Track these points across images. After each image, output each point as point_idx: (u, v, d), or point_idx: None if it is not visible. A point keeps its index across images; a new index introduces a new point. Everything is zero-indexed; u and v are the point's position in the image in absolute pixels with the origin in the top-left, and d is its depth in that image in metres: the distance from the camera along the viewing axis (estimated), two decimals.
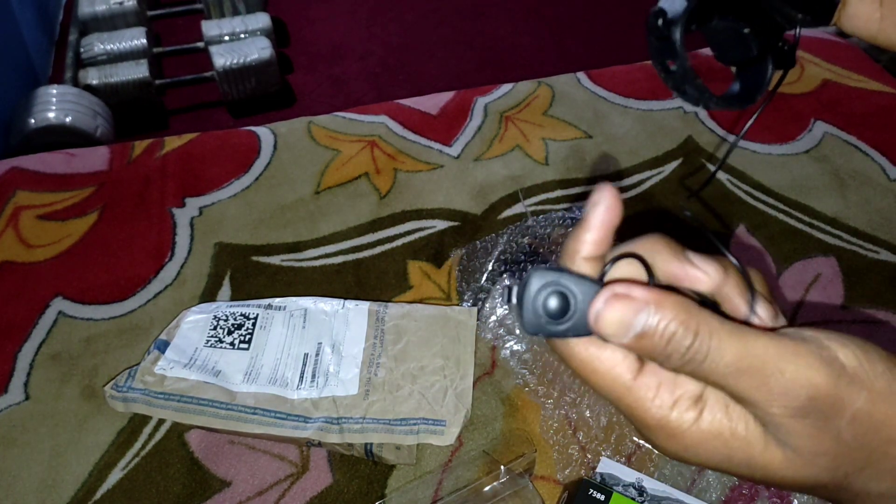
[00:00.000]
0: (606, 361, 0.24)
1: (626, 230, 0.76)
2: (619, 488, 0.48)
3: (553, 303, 0.24)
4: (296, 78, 1.85)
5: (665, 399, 0.24)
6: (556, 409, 0.54)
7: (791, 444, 0.23)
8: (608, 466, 0.51)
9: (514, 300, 0.25)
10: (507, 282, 0.62)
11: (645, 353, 0.23)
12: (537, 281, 0.24)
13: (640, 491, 0.49)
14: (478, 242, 0.66)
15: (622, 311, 0.22)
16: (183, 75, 1.74)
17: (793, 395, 0.22)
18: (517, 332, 0.59)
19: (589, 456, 0.52)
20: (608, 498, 0.46)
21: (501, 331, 0.59)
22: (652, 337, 0.22)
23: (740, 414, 0.24)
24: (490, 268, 0.63)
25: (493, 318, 0.60)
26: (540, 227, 0.67)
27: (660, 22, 0.24)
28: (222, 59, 1.64)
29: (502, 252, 0.64)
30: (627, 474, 0.50)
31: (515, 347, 0.58)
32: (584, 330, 0.24)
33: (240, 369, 0.55)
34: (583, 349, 0.24)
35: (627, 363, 0.24)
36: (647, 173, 0.76)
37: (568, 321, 0.24)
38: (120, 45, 1.68)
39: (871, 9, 0.30)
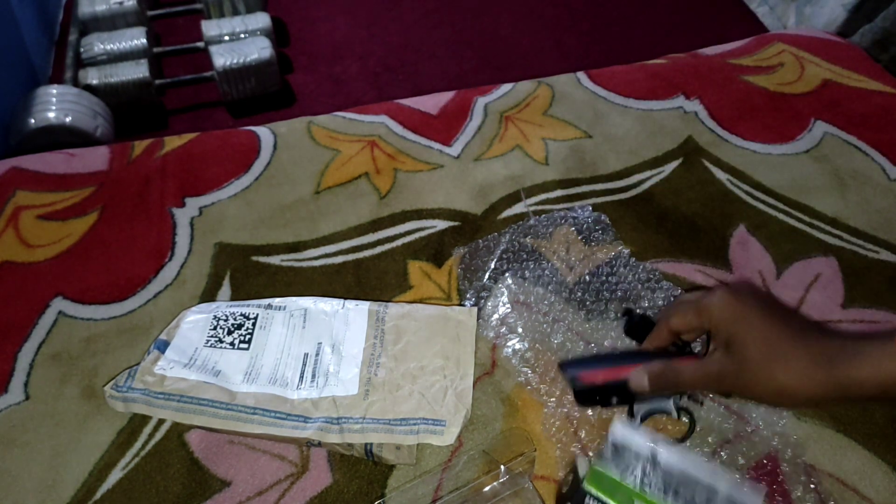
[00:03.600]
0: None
1: (626, 231, 0.76)
2: (631, 454, 0.46)
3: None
4: (296, 78, 1.85)
5: None
6: (558, 407, 0.54)
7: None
8: (622, 435, 0.47)
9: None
10: (507, 277, 0.62)
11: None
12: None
13: (654, 462, 0.46)
14: (480, 241, 0.66)
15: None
16: (183, 75, 1.74)
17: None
18: (519, 330, 0.59)
19: (591, 454, 0.52)
20: None
21: (503, 329, 0.59)
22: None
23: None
24: (493, 266, 0.63)
25: (496, 316, 0.60)
26: (542, 226, 0.67)
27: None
28: (222, 59, 1.64)
29: (505, 251, 0.64)
30: (640, 444, 0.47)
31: (517, 346, 0.58)
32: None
33: (240, 369, 0.55)
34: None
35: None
36: (647, 173, 0.76)
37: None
38: (120, 45, 1.68)
39: None
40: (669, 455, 0.46)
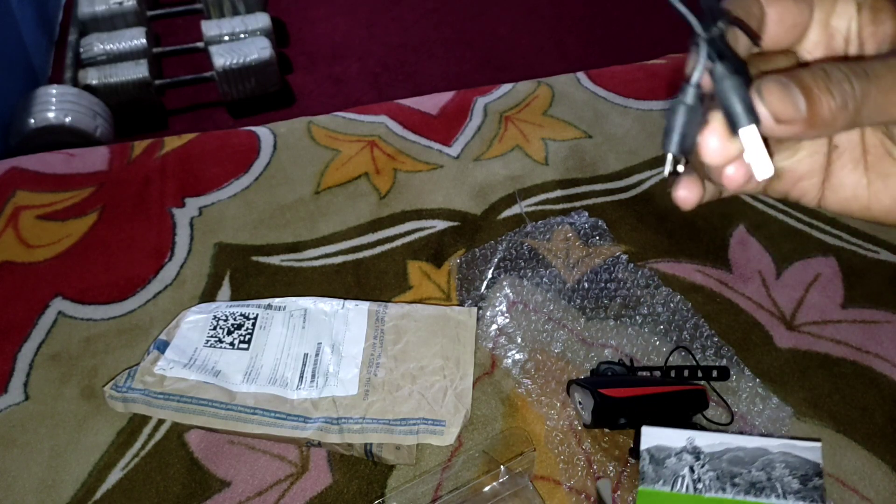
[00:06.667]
0: None
1: (626, 231, 0.76)
2: (672, 460, 0.44)
3: None
4: (295, 78, 1.85)
5: None
6: (559, 419, 0.54)
7: None
8: (652, 437, 0.45)
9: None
10: (505, 286, 0.62)
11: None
12: None
13: (696, 454, 0.44)
14: (476, 250, 0.66)
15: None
16: (183, 75, 1.74)
17: None
18: (518, 340, 0.59)
19: (594, 467, 0.52)
20: None
21: (503, 339, 0.59)
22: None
23: None
24: (490, 275, 0.63)
25: (494, 326, 0.60)
26: (539, 232, 0.67)
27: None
28: (222, 59, 1.64)
29: (501, 259, 0.64)
30: (675, 439, 0.45)
31: (517, 357, 0.58)
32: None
33: (239, 369, 0.55)
34: None
35: None
36: (647, 173, 0.76)
37: None
38: (120, 45, 1.68)
39: (857, 175, 0.27)
40: (708, 438, 0.43)
